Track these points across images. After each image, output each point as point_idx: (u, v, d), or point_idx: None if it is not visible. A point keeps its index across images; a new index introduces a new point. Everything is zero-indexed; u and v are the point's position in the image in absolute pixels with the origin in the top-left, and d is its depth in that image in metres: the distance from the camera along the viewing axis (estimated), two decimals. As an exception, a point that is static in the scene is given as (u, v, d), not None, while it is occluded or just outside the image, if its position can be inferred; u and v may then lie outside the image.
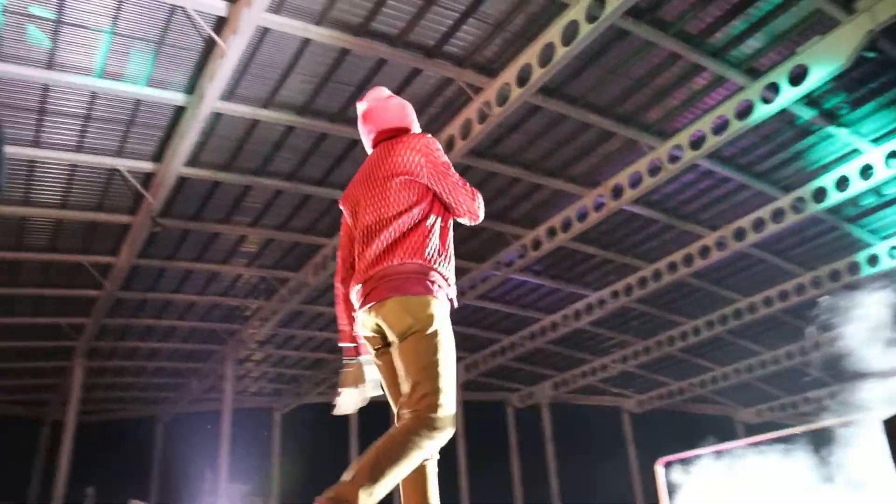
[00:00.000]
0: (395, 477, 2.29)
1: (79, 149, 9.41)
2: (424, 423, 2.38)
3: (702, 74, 8.75)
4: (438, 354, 2.52)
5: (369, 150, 3.07)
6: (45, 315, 14.26)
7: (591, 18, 7.26)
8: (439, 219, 2.80)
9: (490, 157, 10.21)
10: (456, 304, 2.80)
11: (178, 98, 8.59)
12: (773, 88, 8.31)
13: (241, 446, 17.26)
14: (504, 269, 12.90)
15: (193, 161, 9.77)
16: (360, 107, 3.10)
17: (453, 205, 2.82)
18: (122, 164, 9.72)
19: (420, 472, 2.59)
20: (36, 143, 9.20)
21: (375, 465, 2.25)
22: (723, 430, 19.80)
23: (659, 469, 6.58)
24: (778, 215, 10.91)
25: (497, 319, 16.39)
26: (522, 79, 8.17)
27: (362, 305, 2.70)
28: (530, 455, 20.20)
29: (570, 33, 7.53)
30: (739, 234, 11.54)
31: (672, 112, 9.43)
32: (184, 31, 7.73)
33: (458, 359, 17.90)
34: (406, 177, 2.76)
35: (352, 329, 2.90)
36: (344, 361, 2.89)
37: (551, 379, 20.06)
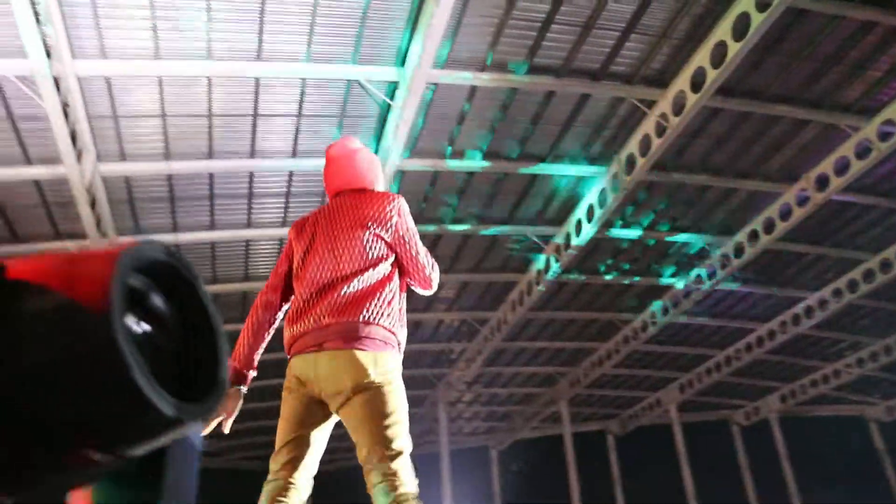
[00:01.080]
0: None
1: (284, 224, 10.30)
2: (404, 489, 2.40)
3: (904, 39, 7.88)
4: (400, 411, 2.54)
5: (328, 197, 3.00)
6: (269, 378, 15.52)
7: (763, 7, 6.81)
8: (398, 282, 2.75)
9: (675, 168, 9.82)
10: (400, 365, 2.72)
11: (364, 163, 9.14)
12: None
13: (462, 486, 17.64)
14: (707, 281, 12.24)
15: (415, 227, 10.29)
16: (332, 153, 3.05)
17: (413, 270, 2.78)
18: (323, 231, 10.49)
19: None
20: (248, 224, 10.20)
21: None
22: None
23: None
24: None
25: (706, 335, 15.52)
26: (696, 84, 7.82)
27: (305, 350, 2.58)
28: (764, 474, 18.72)
29: (741, 27, 7.12)
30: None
31: (875, 86, 8.55)
32: (361, 100, 8.26)
33: (672, 379, 17.18)
34: (376, 230, 2.70)
35: (253, 356, 2.79)
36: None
37: (777, 391, 18.57)
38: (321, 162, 9.14)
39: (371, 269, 2.64)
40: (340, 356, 2.51)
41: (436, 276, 2.87)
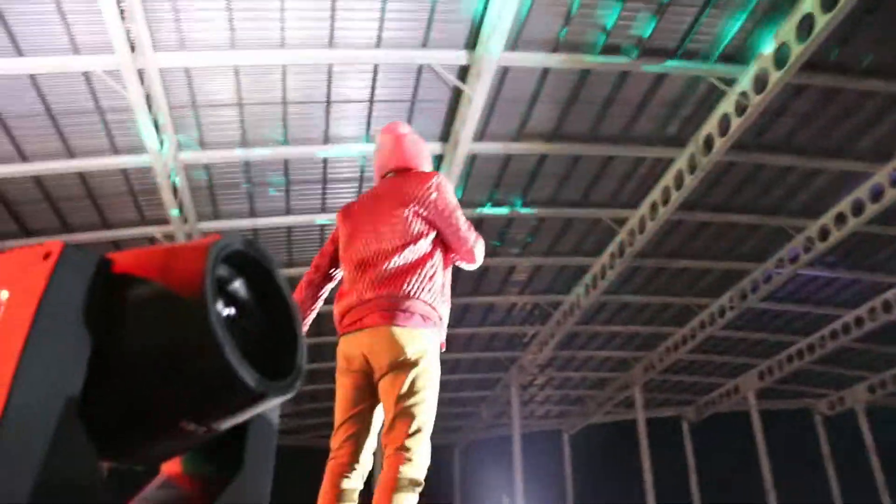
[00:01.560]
0: None
1: (358, 208, 10.43)
2: (412, 467, 2.42)
3: None
4: (428, 391, 2.53)
5: (377, 180, 3.06)
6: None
7: (855, -23, 6.44)
8: (441, 258, 2.77)
9: (756, 148, 9.45)
10: (444, 349, 2.74)
11: (435, 147, 9.16)
12: None
13: (534, 469, 17.63)
14: (788, 265, 11.78)
15: (459, 201, 10.30)
16: (379, 137, 3.09)
17: (456, 244, 2.80)
18: (396, 215, 10.57)
19: None
20: (322, 209, 10.38)
21: None
22: None
23: None
24: None
25: (788, 320, 14.96)
26: (780, 59, 7.46)
27: (350, 329, 2.64)
28: (849, 467, 18.00)
29: (830, -1, 6.75)
30: None
31: (977, 59, 8.00)
32: (432, 85, 8.25)
33: (750, 366, 16.67)
34: (415, 208, 2.73)
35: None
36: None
37: (866, 381, 17.77)
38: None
39: (412, 245, 2.68)
40: (380, 333, 2.56)
41: (480, 250, 2.88)
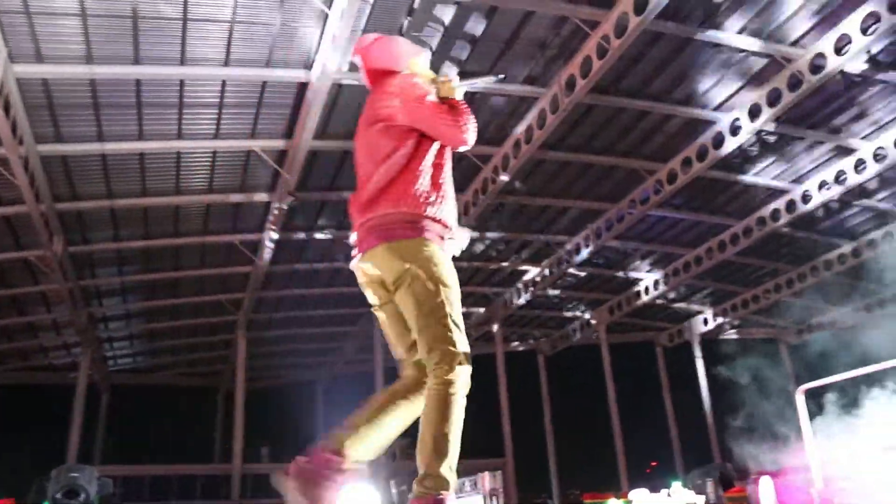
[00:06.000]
0: (457, 437, 2.36)
1: (217, 136, 9.97)
2: (447, 382, 2.36)
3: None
4: (440, 297, 2.44)
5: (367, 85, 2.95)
6: (207, 293, 15.42)
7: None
8: (429, 157, 2.65)
9: (615, 92, 9.84)
10: (464, 241, 2.72)
11: (300, 75, 8.85)
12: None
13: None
14: (639, 206, 12.49)
15: (322, 134, 10.10)
16: (354, 59, 2.97)
17: (437, 136, 2.65)
18: (257, 144, 10.21)
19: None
20: (179, 136, 9.83)
21: (437, 445, 2.31)
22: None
23: (799, 397, 6.38)
24: None
25: (637, 259, 15.97)
26: (640, 5, 7.75)
27: (355, 256, 2.65)
28: (683, 393, 19.67)
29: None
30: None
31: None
32: (299, 8, 7.92)
33: (601, 301, 17.62)
34: (384, 123, 2.63)
35: None
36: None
37: (700, 315, 19.39)
38: (257, 72, 8.85)
39: (387, 162, 2.59)
40: (375, 254, 2.54)
41: (465, 128, 2.64)
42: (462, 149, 2.72)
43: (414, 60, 2.89)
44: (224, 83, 9.00)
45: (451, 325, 2.43)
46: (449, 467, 2.31)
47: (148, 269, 13.77)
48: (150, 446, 19.50)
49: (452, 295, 2.48)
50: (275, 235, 12.26)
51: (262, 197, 11.57)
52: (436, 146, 2.67)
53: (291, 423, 20.28)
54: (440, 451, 2.30)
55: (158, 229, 12.31)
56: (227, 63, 8.59)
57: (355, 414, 2.43)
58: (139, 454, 18.36)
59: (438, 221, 2.59)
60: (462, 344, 2.42)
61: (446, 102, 2.68)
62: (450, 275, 2.52)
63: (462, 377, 2.38)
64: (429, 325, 2.42)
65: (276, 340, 19.15)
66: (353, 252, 2.67)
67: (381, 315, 2.68)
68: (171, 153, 10.26)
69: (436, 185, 2.63)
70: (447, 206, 2.64)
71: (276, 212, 11.51)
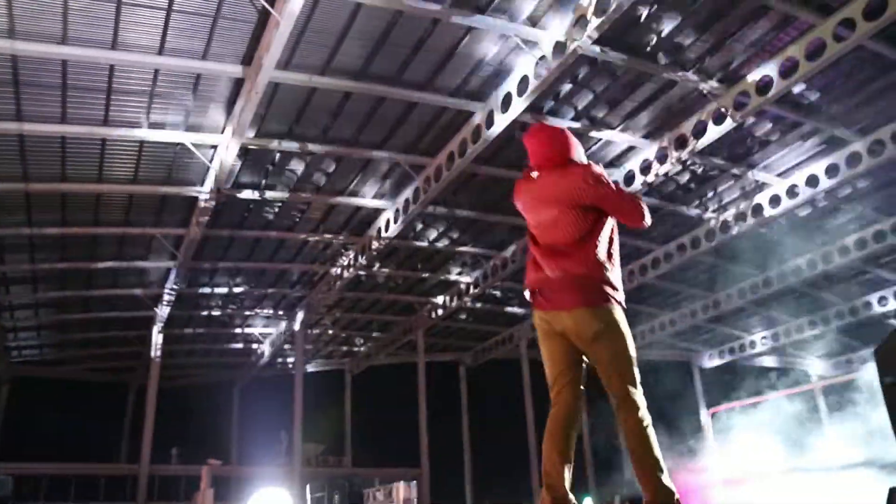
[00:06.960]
0: (658, 451, 2.99)
1: (145, 125, 9.69)
2: (638, 410, 3.03)
3: None
4: (629, 352, 3.12)
5: (533, 165, 3.43)
6: (123, 286, 14.92)
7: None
8: (609, 230, 3.24)
9: (549, 113, 10.06)
10: (625, 306, 3.23)
11: (236, 70, 8.71)
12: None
13: (315, 408, 17.78)
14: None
15: (256, 132, 9.96)
16: (531, 130, 3.49)
17: (624, 219, 3.26)
18: (188, 137, 9.96)
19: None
20: (105, 122, 9.51)
21: (648, 464, 2.94)
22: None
23: (707, 419, 6.91)
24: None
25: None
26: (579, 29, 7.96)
27: (547, 308, 3.19)
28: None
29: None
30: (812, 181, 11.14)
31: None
32: (238, 2, 7.81)
33: (525, 317, 17.74)
34: (580, 204, 3.17)
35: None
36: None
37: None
38: (193, 63, 8.66)
39: (586, 233, 3.16)
40: (574, 315, 3.10)
41: (645, 215, 3.25)
42: (637, 228, 3.35)
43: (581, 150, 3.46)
44: (157, 72, 8.76)
45: (637, 374, 3.11)
46: (667, 476, 2.94)
47: (63, 257, 13.22)
48: (53, 443, 18.67)
49: (633, 350, 3.15)
50: (200, 231, 11.98)
51: (189, 191, 11.29)
52: (612, 222, 3.26)
53: (205, 424, 19.78)
54: (656, 469, 2.93)
55: (76, 217, 11.85)
56: (161, 52, 8.38)
57: (556, 448, 3.07)
58: (40, 451, 17.53)
59: (615, 288, 3.17)
60: (640, 385, 3.11)
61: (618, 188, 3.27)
62: (628, 333, 3.16)
63: (645, 408, 3.05)
64: (622, 372, 3.08)
65: (194, 339, 18.67)
66: (535, 298, 3.24)
67: (547, 343, 3.25)
68: (96, 139, 9.90)
69: (614, 251, 3.26)
70: (618, 270, 3.25)
71: (203, 207, 11.25)
